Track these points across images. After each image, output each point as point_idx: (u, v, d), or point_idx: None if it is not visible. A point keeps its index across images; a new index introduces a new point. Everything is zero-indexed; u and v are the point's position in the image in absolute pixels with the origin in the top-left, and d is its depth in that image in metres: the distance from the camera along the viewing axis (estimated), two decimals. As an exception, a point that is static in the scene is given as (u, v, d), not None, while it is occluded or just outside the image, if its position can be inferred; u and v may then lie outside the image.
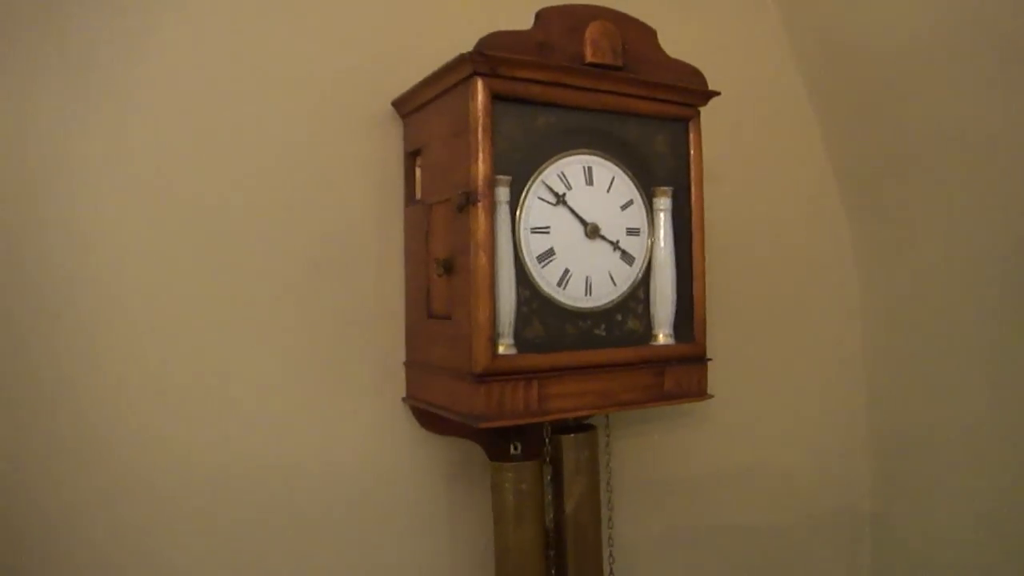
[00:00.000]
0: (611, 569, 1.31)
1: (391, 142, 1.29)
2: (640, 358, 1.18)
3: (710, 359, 1.23)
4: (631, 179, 1.21)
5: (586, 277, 1.16)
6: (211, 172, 1.17)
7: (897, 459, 1.66)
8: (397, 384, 1.26)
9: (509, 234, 1.10)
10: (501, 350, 1.08)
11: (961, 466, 1.50)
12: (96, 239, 1.10)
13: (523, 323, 1.11)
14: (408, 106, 1.25)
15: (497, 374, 1.06)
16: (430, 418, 1.26)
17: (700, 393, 1.23)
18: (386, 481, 1.26)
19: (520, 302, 1.11)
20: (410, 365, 1.26)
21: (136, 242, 1.12)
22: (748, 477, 1.58)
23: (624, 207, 1.20)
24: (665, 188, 1.22)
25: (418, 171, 1.26)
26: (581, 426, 1.27)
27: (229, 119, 1.17)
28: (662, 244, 1.22)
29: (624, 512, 1.40)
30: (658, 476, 1.49)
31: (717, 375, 1.37)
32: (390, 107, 1.27)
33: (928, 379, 1.58)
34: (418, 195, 1.25)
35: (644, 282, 1.22)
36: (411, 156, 1.27)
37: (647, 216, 1.22)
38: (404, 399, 1.26)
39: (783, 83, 1.65)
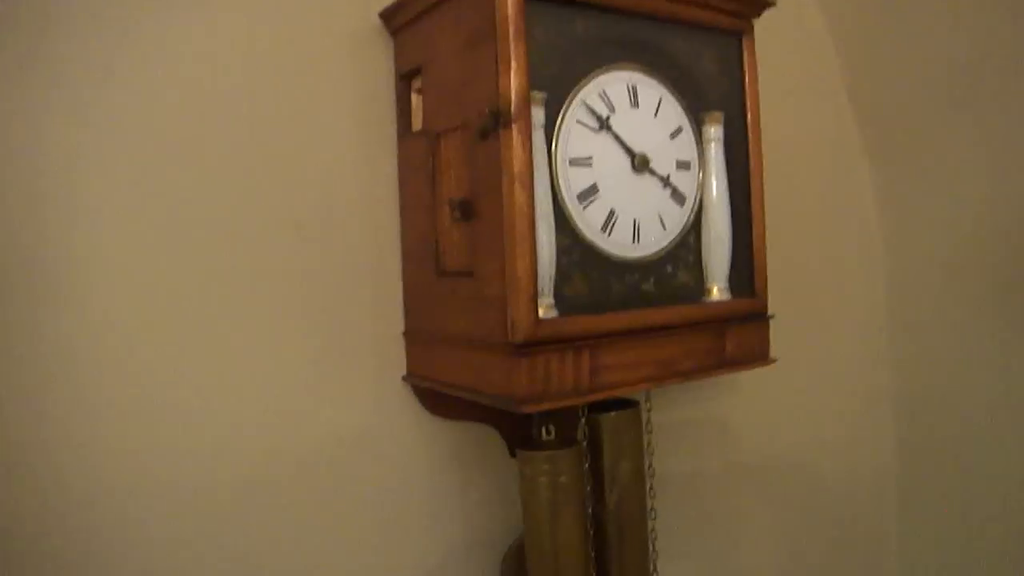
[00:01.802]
0: (655, 567, 1.10)
1: (378, 64, 1.04)
2: (701, 317, 0.97)
3: (772, 316, 1.02)
4: (678, 102, 0.99)
5: (633, 220, 0.95)
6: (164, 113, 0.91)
7: (923, 422, 1.51)
8: (395, 360, 1.02)
9: (545, 166, 0.87)
10: (542, 312, 0.85)
11: (989, 425, 1.37)
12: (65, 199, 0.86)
13: (563, 279, 0.89)
14: (401, 17, 1.00)
15: (541, 343, 0.83)
16: (438, 400, 1.03)
17: (764, 357, 1.03)
18: (387, 474, 1.04)
19: (559, 252, 0.88)
20: (411, 336, 1.02)
21: (99, 204, 0.88)
22: (773, 451, 1.41)
23: (673, 135, 0.99)
24: (716, 114, 1.01)
25: (415, 96, 1.02)
26: (621, 403, 1.05)
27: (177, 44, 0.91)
28: (714, 180, 1.01)
29: (667, 500, 1.19)
30: (698, 457, 1.28)
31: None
32: (376, 20, 1.02)
33: (955, 336, 1.43)
34: (416, 125, 1.01)
35: (695, 226, 1.01)
36: (405, 79, 1.03)
37: (696, 146, 1.00)
38: (405, 377, 1.02)
39: (800, 15, 1.44)
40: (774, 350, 1.26)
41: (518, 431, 1.05)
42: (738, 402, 1.34)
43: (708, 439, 1.31)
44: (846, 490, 1.49)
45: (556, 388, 0.85)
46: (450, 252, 0.94)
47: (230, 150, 0.94)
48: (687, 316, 0.96)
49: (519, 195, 0.82)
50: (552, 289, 0.88)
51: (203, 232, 0.93)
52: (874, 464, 1.52)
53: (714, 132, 1.01)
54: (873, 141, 1.52)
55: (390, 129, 1.04)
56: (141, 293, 0.90)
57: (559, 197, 0.89)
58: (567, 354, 0.86)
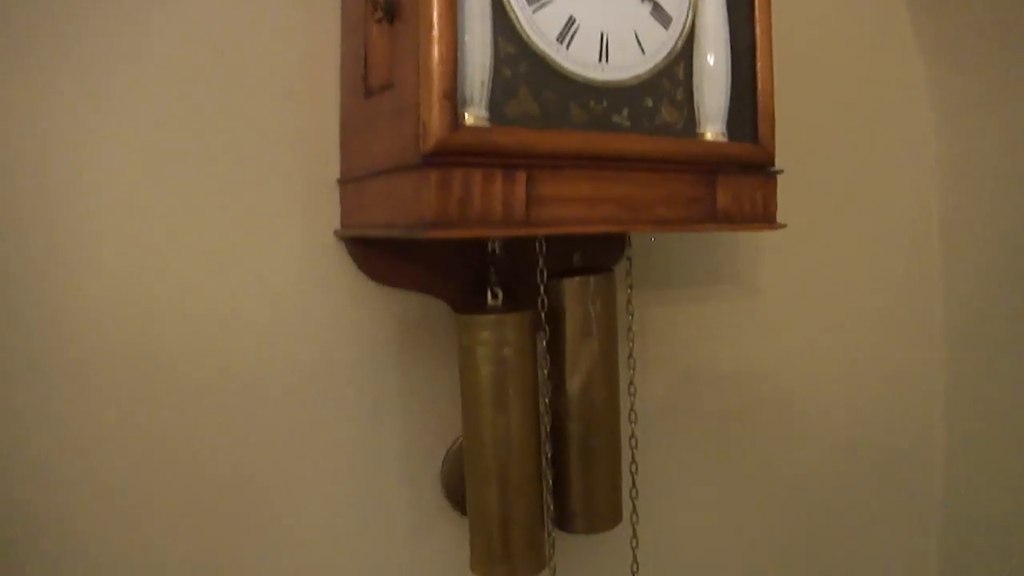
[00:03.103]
0: (634, 481, 0.91)
1: None
2: (684, 154, 0.79)
3: (781, 171, 0.82)
4: (666, -102, 0.80)
5: (600, 34, 0.77)
6: None
7: (977, 348, 1.28)
8: (328, 212, 0.86)
9: (482, -47, 0.69)
10: (469, 122, 0.67)
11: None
12: None
13: (504, 93, 0.72)
14: None
15: (460, 154, 0.66)
16: (375, 261, 0.87)
17: (768, 218, 0.83)
18: (313, 351, 0.86)
19: (499, 60, 0.71)
20: (345, 183, 0.85)
21: None
22: (800, 364, 1.19)
23: (657, -63, 0.79)
24: (715, -81, 0.81)
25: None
26: (591, 270, 0.86)
27: None
28: (711, 2, 0.82)
29: (651, 400, 1.00)
30: (692, 356, 1.08)
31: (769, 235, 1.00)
32: None
33: (1014, 254, 1.22)
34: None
35: (685, 55, 0.82)
36: None
37: (689, -41, 0.81)
38: (337, 232, 0.86)
39: None
40: (799, 243, 1.06)
41: (470, 301, 0.87)
42: (753, 306, 1.13)
43: (709, 346, 1.10)
44: (884, 428, 1.25)
45: (478, 213, 0.68)
46: (376, 66, 0.79)
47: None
48: (664, 150, 0.78)
49: (435, -25, 0.65)
50: (486, 100, 0.71)
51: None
52: (919, 397, 1.28)
53: (711, -58, 0.82)
54: (926, 35, 1.28)
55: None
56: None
57: (502, -5, 0.72)
58: (495, 173, 0.69)
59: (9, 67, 0.74)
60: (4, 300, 0.74)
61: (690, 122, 0.82)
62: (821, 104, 1.18)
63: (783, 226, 0.84)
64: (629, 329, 0.91)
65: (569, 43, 0.75)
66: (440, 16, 0.66)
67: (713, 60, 0.82)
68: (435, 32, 0.66)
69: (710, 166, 0.80)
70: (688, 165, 0.79)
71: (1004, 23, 1.19)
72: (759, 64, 0.84)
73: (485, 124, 0.70)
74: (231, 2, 0.83)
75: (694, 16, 0.83)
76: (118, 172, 0.79)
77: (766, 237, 1.12)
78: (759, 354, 1.14)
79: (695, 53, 0.82)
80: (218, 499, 0.83)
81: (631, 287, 0.91)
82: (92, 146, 0.78)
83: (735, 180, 0.81)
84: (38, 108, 0.75)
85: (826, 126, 1.19)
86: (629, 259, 0.91)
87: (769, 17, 0.83)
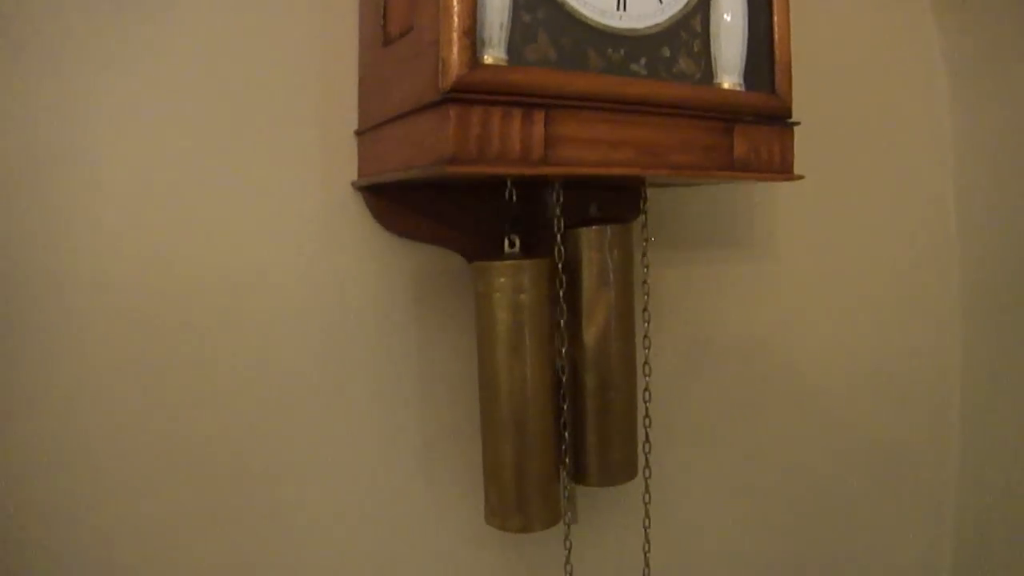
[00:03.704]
0: (647, 435, 0.91)
1: None
2: (701, 101, 0.79)
3: (798, 123, 0.82)
4: None
5: (618, -18, 0.76)
6: None
7: (995, 323, 1.27)
8: (346, 164, 0.87)
9: None
10: (488, 60, 0.68)
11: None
12: None
13: (523, 37, 0.72)
14: None
15: (479, 92, 0.66)
16: (390, 212, 0.87)
17: (784, 168, 0.83)
18: (334, 300, 0.88)
19: (518, 4, 0.71)
20: (363, 133, 0.86)
21: None
22: (815, 327, 1.19)
23: None
24: None
25: None
26: (608, 220, 0.86)
27: None
28: (729, -48, 0.82)
29: (665, 355, 1.00)
30: (706, 316, 1.08)
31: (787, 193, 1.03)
32: None
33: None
34: None
35: (703, 7, 0.82)
36: None
37: (706, -93, 0.81)
38: (354, 183, 0.86)
39: None
40: (816, 206, 1.06)
41: (485, 250, 0.88)
42: (769, 269, 1.13)
43: (723, 307, 1.10)
44: (899, 394, 1.25)
45: (496, 151, 0.68)
46: (395, 13, 0.79)
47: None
48: (681, 96, 0.78)
49: (455, -87, 0.66)
50: (506, 42, 0.71)
51: None
52: (935, 365, 1.29)
53: None
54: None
55: None
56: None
57: (520, -63, 0.72)
58: (513, 111, 0.69)
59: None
60: (16, 247, 0.75)
61: (707, 73, 0.82)
62: (838, 64, 1.18)
63: (800, 177, 0.84)
64: (644, 282, 0.91)
65: (587, -11, 0.75)
66: (455, -46, 0.66)
67: (730, 11, 0.82)
68: (453, -25, 0.66)
69: (727, 114, 0.80)
70: (705, 112, 0.79)
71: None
72: (776, 16, 0.84)
73: (504, 64, 0.70)
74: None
75: (712, -32, 0.82)
76: (137, 125, 0.80)
77: (782, 200, 1.12)
78: (773, 317, 1.14)
79: (712, 4, 0.83)
80: (229, 450, 0.83)
81: (647, 240, 0.91)
82: (111, 98, 0.79)
83: (752, 130, 0.81)
84: (58, 51, 0.76)
85: (843, 87, 1.18)
86: (645, 213, 0.91)
87: (786, -33, 0.83)
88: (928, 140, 1.28)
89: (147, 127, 0.80)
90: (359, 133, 0.87)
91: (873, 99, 1.22)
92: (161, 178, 0.80)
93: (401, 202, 0.87)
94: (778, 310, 1.14)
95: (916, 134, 1.27)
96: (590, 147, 0.73)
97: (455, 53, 0.67)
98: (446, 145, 0.67)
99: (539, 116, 0.70)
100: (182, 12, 0.81)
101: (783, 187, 1.09)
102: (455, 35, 0.67)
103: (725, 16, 0.82)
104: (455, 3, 0.67)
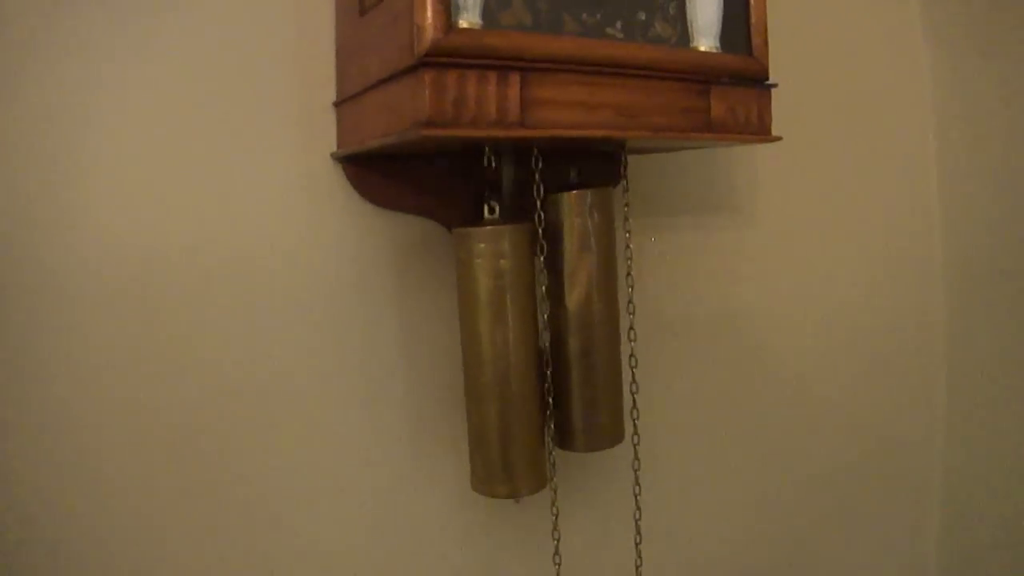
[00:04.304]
0: (635, 401, 0.91)
1: None
2: (677, 63, 0.79)
3: (775, 84, 0.82)
4: None
5: (592, -55, 0.76)
6: None
7: (977, 291, 1.29)
8: (324, 135, 0.87)
9: None
10: (463, 25, 0.68)
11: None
12: None
13: (498, 2, 0.72)
14: None
15: (454, 55, 0.66)
16: (370, 182, 0.88)
17: (762, 130, 0.83)
18: (315, 271, 0.88)
19: (495, -28, 0.71)
20: (341, 103, 0.86)
21: None
22: (797, 291, 1.20)
23: None
24: None
25: None
26: (588, 185, 0.87)
27: None
28: (704, -87, 0.82)
29: (650, 320, 1.00)
30: (690, 282, 1.08)
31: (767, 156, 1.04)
32: None
33: (1016, 192, 1.22)
34: None
35: (678, -30, 0.81)
36: None
37: None
38: (334, 153, 0.86)
39: None
40: (796, 170, 1.07)
41: (465, 219, 0.88)
42: (751, 235, 1.13)
43: (706, 272, 1.10)
44: (884, 358, 1.26)
45: (473, 114, 0.69)
46: (369, -19, 0.78)
47: None
48: (657, 58, 0.78)
49: None
50: (480, 7, 0.71)
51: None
52: (918, 330, 1.30)
53: None
54: None
55: None
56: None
57: (493, -101, 0.72)
58: (489, 75, 0.69)
59: None
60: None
61: (683, 36, 0.83)
62: (817, 26, 1.18)
63: (778, 138, 0.84)
64: (627, 247, 0.92)
65: (561, -48, 0.75)
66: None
67: (705, -27, 0.82)
68: (426, -60, 0.66)
69: (704, 75, 0.80)
70: (682, 74, 0.79)
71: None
72: (751, -24, 0.83)
73: (479, 28, 0.70)
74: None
75: (686, -72, 0.82)
76: (117, 100, 0.79)
77: (762, 163, 1.13)
78: (756, 282, 1.14)
79: (688, -33, 0.82)
80: (214, 424, 0.84)
81: (627, 205, 0.92)
82: (94, 72, 0.78)
83: (729, 91, 0.82)
84: (41, 38, 0.76)
85: (822, 50, 1.19)
86: (625, 179, 0.91)
87: (761, -72, 0.83)
88: (908, 102, 1.29)
89: (123, 101, 0.79)
90: (337, 104, 0.87)
91: (853, 61, 1.23)
92: (138, 153, 0.80)
93: (381, 172, 0.87)
94: (760, 274, 1.15)
95: (896, 96, 1.28)
96: (567, 110, 0.73)
97: (429, 18, 0.67)
98: (422, 109, 0.67)
99: (515, 79, 0.70)
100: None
101: (763, 152, 1.10)
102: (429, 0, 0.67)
103: (700, -22, 0.82)
104: (429, -29, 0.67)
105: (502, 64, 0.69)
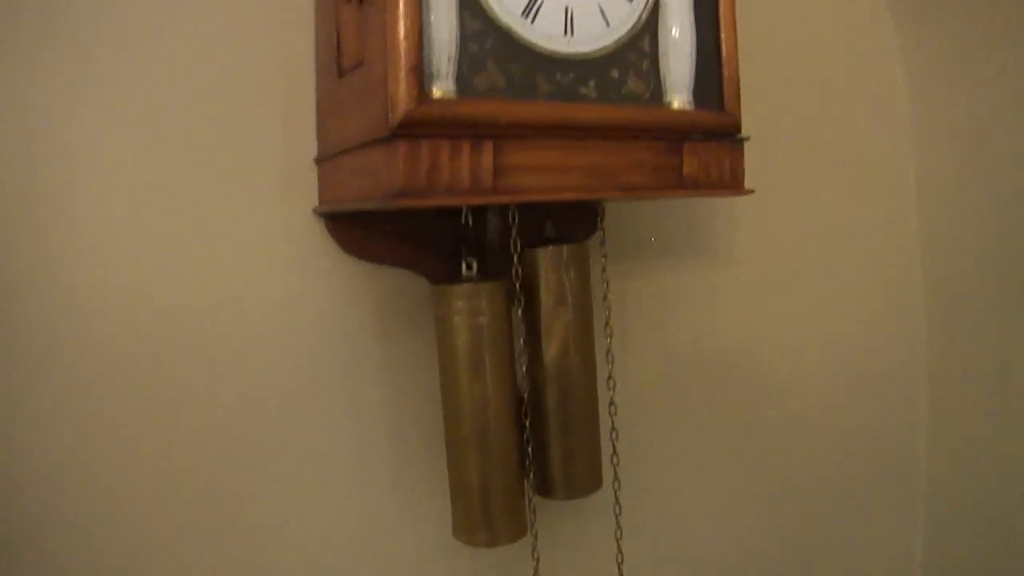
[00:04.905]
0: (614, 448, 0.93)
1: None
2: (649, 122, 0.80)
3: (747, 138, 0.84)
4: None
5: (565, 8, 0.79)
6: None
7: (958, 312, 1.30)
8: (306, 190, 0.88)
9: (446, -70, 0.71)
10: (437, 95, 0.69)
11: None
12: None
13: (472, 67, 0.74)
14: None
15: (428, 126, 0.68)
16: (351, 236, 0.89)
17: (735, 184, 0.85)
18: (298, 324, 0.89)
19: (466, 35, 0.73)
20: (322, 161, 0.87)
21: None
22: (778, 333, 1.21)
23: (617, -87, 0.81)
24: None
25: None
26: (565, 240, 0.88)
27: None
28: (675, -27, 0.83)
29: (630, 370, 1.02)
30: (672, 329, 1.10)
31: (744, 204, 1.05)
32: None
33: (994, 219, 1.22)
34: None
35: (650, 26, 0.84)
36: None
37: (651, -70, 0.83)
38: (316, 209, 0.88)
39: None
40: (775, 211, 1.08)
41: (445, 273, 0.89)
42: (730, 276, 1.15)
43: (686, 313, 1.12)
44: (865, 399, 1.27)
45: (446, 183, 0.70)
46: (347, 46, 0.81)
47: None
48: (629, 118, 0.79)
49: (399, -51, 0.67)
50: (454, 74, 0.73)
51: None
52: (900, 368, 1.31)
53: (673, -86, 0.83)
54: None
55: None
56: None
57: (466, -30, 0.73)
58: (463, 143, 0.71)
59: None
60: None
61: (656, 92, 0.84)
62: (792, 69, 1.20)
63: (751, 192, 0.86)
64: (605, 298, 0.93)
65: (534, 17, 0.77)
66: (401, -10, 0.68)
67: (678, 30, 0.84)
68: (400, 10, 0.68)
69: (676, 134, 0.81)
70: (655, 133, 0.80)
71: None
72: (723, 32, 0.85)
73: (453, 97, 0.71)
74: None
75: (659, -13, 0.84)
76: (99, 156, 0.81)
77: (742, 207, 1.14)
78: (737, 324, 1.16)
79: (660, 23, 0.84)
80: (202, 475, 0.85)
81: (605, 256, 0.93)
82: (75, 129, 0.80)
83: (701, 147, 0.83)
84: (25, 96, 0.77)
85: (798, 91, 1.20)
86: (602, 230, 0.93)
87: (733, -15, 0.84)
88: (888, 137, 1.30)
89: (109, 157, 0.81)
90: (318, 161, 0.88)
91: (829, 96, 1.24)
92: (126, 210, 0.82)
93: (361, 226, 0.89)
94: (741, 315, 1.16)
95: (875, 133, 1.29)
96: (539, 174, 0.75)
97: (403, 90, 0.68)
98: (397, 179, 0.69)
99: (488, 146, 0.72)
100: (143, 41, 0.82)
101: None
102: (402, 72, 0.68)
103: (673, 34, 0.84)
104: (401, 40, 0.68)
105: (476, 132, 0.71)
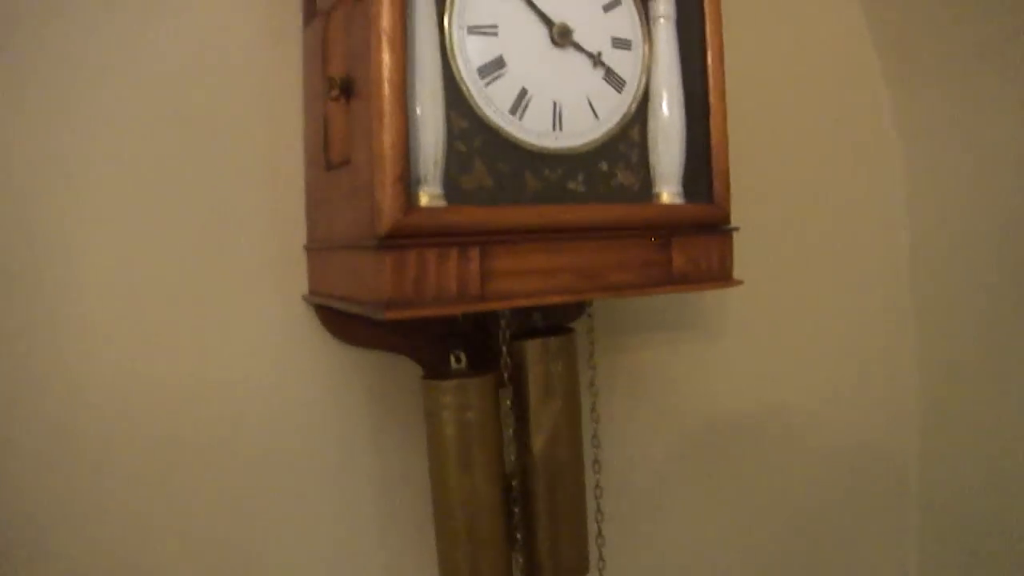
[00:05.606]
0: (600, 529, 0.93)
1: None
2: (638, 220, 0.80)
3: (736, 228, 0.84)
4: (617, -33, 0.82)
5: (553, 103, 0.79)
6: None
7: (950, 384, 1.30)
8: (296, 278, 0.88)
9: (434, 33, 0.72)
10: (424, 201, 0.69)
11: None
12: None
13: (459, 167, 0.74)
14: None
15: (414, 236, 0.68)
16: (342, 323, 0.89)
17: (724, 276, 0.85)
18: (289, 411, 0.89)
19: (453, 136, 0.73)
20: (311, 250, 0.87)
21: None
22: (768, 407, 1.21)
23: (608, 8, 0.82)
24: (666, -15, 0.83)
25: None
26: (553, 328, 0.88)
27: None
28: (664, 64, 0.84)
29: (616, 451, 1.02)
30: (659, 405, 1.10)
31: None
32: None
33: (988, 282, 1.22)
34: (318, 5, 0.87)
35: (639, 118, 0.84)
36: (307, -47, 0.88)
37: (641, 25, 0.83)
38: (305, 296, 0.88)
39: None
40: (766, 284, 1.08)
41: (438, 360, 0.89)
42: (719, 350, 1.15)
43: (675, 388, 1.12)
44: (856, 463, 1.27)
45: (434, 292, 0.70)
46: (335, 141, 0.81)
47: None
48: (617, 217, 0.79)
49: (386, 56, 0.68)
50: (441, 178, 0.73)
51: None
52: (891, 431, 1.31)
53: (663, 8, 0.84)
54: (887, 50, 1.30)
55: (295, 18, 0.90)
56: None
57: (454, 70, 0.74)
58: (449, 251, 0.70)
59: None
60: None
61: (646, 183, 0.84)
62: (786, 146, 1.20)
63: (739, 283, 0.86)
64: (592, 383, 0.93)
65: (522, 114, 0.77)
66: (391, 100, 0.68)
67: (667, 121, 0.84)
68: (386, 117, 0.68)
69: (667, 229, 0.81)
70: (645, 230, 0.80)
71: (967, 48, 1.20)
72: (712, 123, 0.85)
73: (440, 202, 0.72)
74: (200, 75, 0.85)
75: (648, 78, 0.84)
76: (92, 244, 0.81)
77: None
78: (726, 398, 1.16)
79: (649, 115, 0.84)
80: (198, 560, 0.85)
81: (592, 342, 0.93)
82: (66, 217, 0.80)
83: (690, 240, 0.83)
84: (18, 180, 0.77)
85: (791, 166, 1.21)
86: (590, 315, 0.93)
87: (722, 75, 0.85)
88: (877, 200, 1.30)
89: (100, 244, 0.82)
90: (308, 248, 0.88)
91: (819, 168, 1.25)
92: (119, 296, 0.82)
93: (351, 313, 0.89)
94: (731, 389, 1.16)
95: (866, 201, 1.30)
96: (527, 278, 0.74)
97: (389, 199, 0.68)
98: (383, 289, 0.69)
99: (474, 253, 0.72)
100: (132, 129, 0.83)
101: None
102: (388, 181, 0.68)
103: (663, 123, 0.84)
104: (387, 148, 0.68)
105: (462, 240, 0.71)
